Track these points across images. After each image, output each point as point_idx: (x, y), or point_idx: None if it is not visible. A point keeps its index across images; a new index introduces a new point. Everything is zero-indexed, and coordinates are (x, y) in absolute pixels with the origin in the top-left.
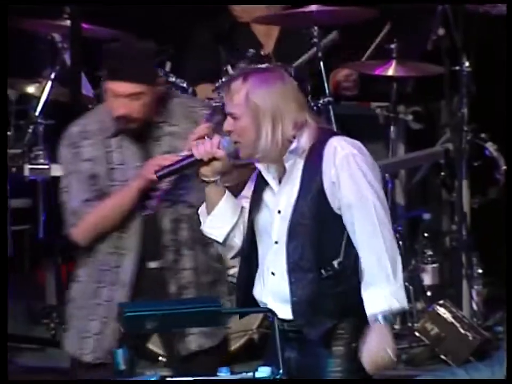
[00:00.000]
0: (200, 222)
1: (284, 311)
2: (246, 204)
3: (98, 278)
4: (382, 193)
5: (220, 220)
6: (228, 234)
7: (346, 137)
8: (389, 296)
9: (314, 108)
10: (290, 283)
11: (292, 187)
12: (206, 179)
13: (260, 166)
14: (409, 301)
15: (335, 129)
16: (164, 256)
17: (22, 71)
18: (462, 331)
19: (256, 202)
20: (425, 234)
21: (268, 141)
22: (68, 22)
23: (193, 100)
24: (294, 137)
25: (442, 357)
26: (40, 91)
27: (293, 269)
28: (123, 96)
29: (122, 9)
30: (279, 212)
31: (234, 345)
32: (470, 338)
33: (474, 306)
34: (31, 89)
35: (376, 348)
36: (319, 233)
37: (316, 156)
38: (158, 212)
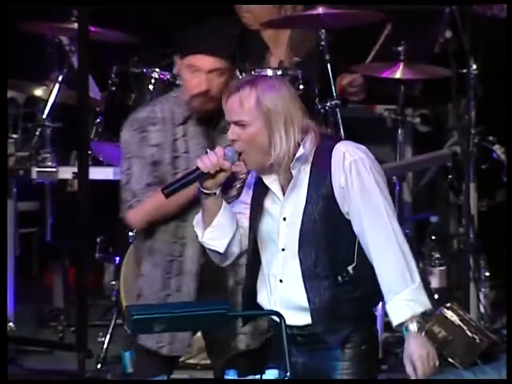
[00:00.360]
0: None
1: (293, 318)
2: (245, 210)
3: (165, 269)
4: (389, 197)
5: (220, 231)
6: (228, 244)
7: (352, 142)
8: (411, 303)
9: (322, 110)
10: (306, 291)
11: (298, 194)
12: (208, 191)
13: (262, 175)
14: None
15: (341, 132)
16: None
17: (29, 74)
18: (469, 334)
19: (257, 209)
20: (433, 237)
21: (282, 146)
22: (75, 25)
23: None
24: (301, 142)
25: (450, 359)
26: (48, 94)
27: (308, 276)
28: (205, 72)
29: (130, 12)
30: (284, 219)
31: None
32: (477, 341)
33: (482, 309)
34: (38, 92)
35: (416, 357)
36: (331, 239)
37: (323, 162)
38: None
